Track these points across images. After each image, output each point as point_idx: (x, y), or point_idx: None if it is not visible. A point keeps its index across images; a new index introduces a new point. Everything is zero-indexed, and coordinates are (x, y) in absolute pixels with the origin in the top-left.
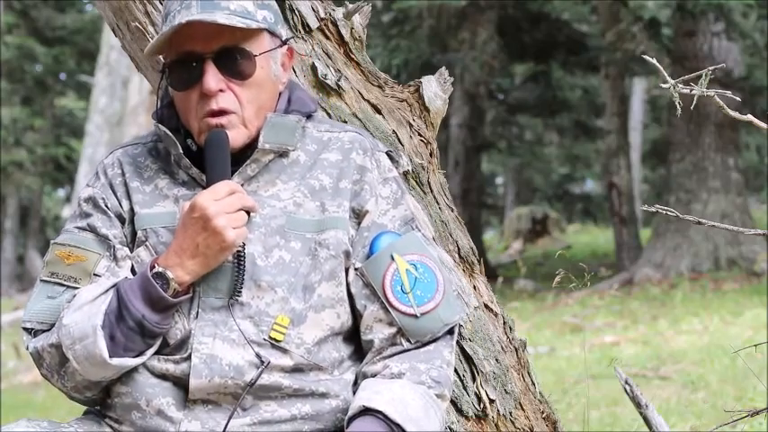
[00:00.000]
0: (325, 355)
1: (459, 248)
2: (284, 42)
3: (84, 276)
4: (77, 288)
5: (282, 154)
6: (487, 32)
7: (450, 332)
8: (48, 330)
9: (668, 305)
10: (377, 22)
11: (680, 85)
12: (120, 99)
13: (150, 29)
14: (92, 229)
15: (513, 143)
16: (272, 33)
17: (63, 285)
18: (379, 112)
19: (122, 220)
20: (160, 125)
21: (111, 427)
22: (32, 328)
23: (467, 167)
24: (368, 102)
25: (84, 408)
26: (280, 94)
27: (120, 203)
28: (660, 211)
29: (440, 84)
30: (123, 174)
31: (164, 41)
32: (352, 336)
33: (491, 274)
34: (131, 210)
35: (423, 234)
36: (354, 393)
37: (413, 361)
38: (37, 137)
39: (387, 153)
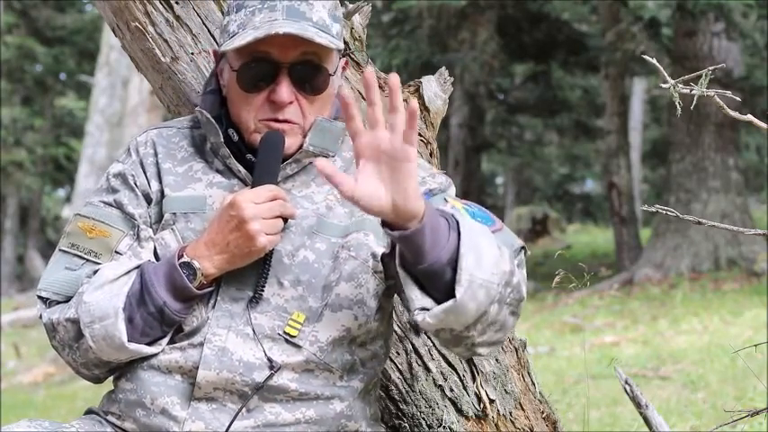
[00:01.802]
0: (337, 357)
1: None
2: (345, 54)
3: (106, 252)
4: (97, 263)
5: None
6: (487, 32)
7: (518, 254)
8: (63, 302)
9: (668, 305)
10: (377, 22)
11: (680, 85)
12: (120, 99)
13: (150, 29)
14: (118, 206)
15: (513, 143)
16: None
17: (83, 258)
18: None
19: (149, 200)
20: (203, 111)
21: (112, 423)
22: (48, 298)
23: (467, 167)
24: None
25: (85, 408)
26: None
27: (149, 183)
28: (660, 211)
29: (440, 84)
30: (156, 154)
31: (247, 43)
32: (371, 341)
33: None
34: (161, 191)
35: None
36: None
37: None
38: (37, 137)
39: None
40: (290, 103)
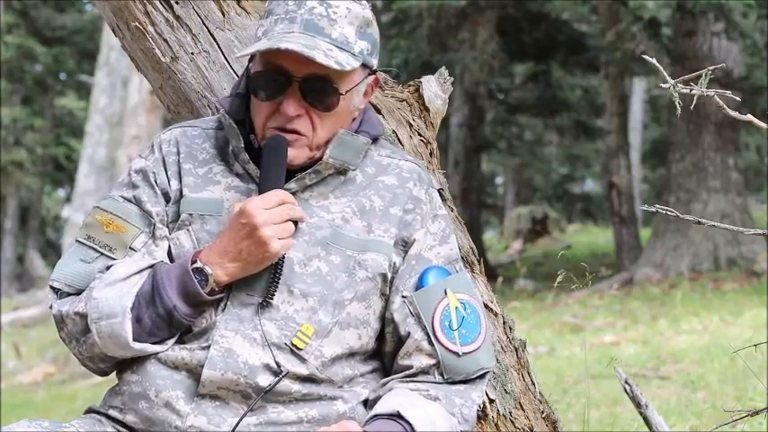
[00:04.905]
0: (337, 370)
1: (459, 248)
2: (373, 72)
3: (121, 247)
4: (111, 258)
5: (341, 171)
6: (487, 32)
7: (482, 377)
8: (74, 294)
9: (668, 305)
10: (377, 22)
11: (680, 85)
12: (120, 99)
13: (150, 29)
14: (137, 202)
15: (513, 143)
16: (365, 65)
17: (98, 252)
18: (378, 111)
19: (168, 199)
20: (226, 116)
21: (113, 418)
22: (59, 289)
23: (467, 167)
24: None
25: (85, 407)
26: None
27: (169, 182)
28: (660, 211)
29: (440, 84)
30: (178, 153)
31: (250, 53)
32: (371, 356)
33: (491, 274)
34: (180, 191)
35: (469, 276)
36: (377, 398)
37: (448, 393)
38: (37, 137)
39: (438, 190)
40: (298, 116)
